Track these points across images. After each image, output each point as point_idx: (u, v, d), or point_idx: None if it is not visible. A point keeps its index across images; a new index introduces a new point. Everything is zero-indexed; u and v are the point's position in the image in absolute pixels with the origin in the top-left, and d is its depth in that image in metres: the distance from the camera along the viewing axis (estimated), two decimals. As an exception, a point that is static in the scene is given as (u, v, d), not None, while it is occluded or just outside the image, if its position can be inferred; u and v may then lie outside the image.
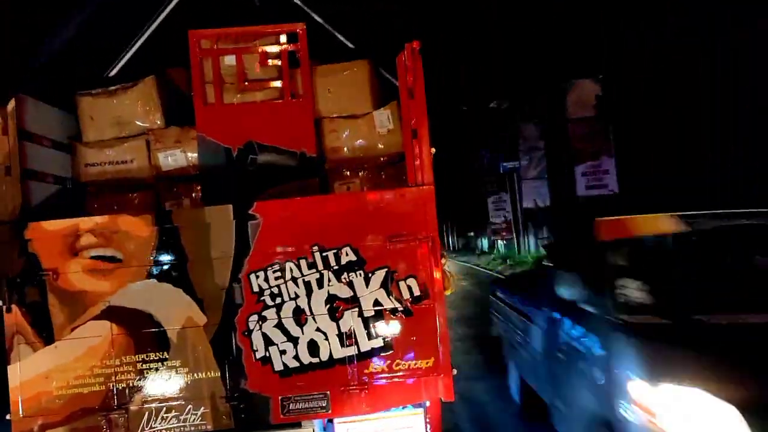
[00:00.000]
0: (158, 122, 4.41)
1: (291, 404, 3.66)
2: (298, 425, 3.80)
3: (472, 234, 45.44)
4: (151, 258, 3.67)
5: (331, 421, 4.00)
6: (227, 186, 4.17)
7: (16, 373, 3.59)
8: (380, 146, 4.42)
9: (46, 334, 3.61)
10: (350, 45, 4.67)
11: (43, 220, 3.64)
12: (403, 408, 3.94)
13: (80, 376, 3.60)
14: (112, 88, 4.39)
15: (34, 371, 3.59)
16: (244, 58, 4.29)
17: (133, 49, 4.63)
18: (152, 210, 3.77)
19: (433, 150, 3.73)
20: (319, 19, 4.63)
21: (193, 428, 3.66)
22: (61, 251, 3.63)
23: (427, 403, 4.02)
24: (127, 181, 4.38)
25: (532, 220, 25.60)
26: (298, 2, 4.71)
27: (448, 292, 3.86)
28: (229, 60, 4.29)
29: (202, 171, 4.28)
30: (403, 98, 3.90)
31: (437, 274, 3.71)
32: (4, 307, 3.59)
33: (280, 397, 3.66)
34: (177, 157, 4.35)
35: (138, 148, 4.38)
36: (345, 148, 4.44)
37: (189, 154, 4.35)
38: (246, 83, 4.32)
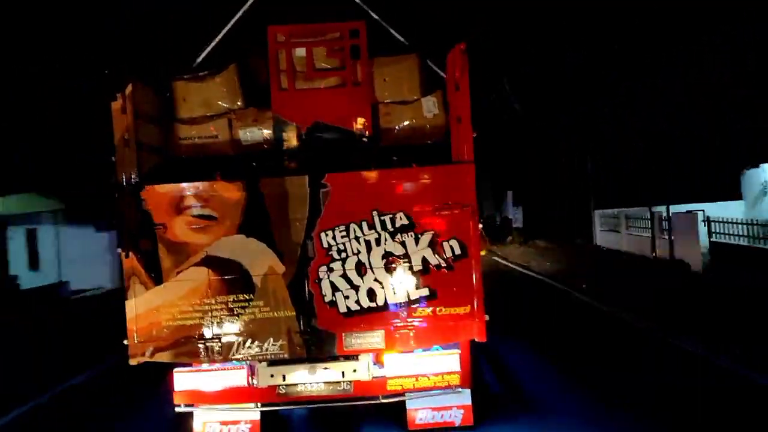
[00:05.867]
0: (239, 103, 5.18)
1: (352, 339, 4.49)
2: (356, 357, 4.64)
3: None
4: (241, 217, 4.48)
5: (380, 364, 4.80)
6: (298, 159, 4.96)
7: (132, 307, 4.46)
8: (427, 128, 5.14)
9: (156, 276, 4.46)
10: (402, 40, 5.35)
11: (154, 184, 4.47)
12: (442, 348, 4.76)
13: (183, 311, 4.46)
14: (201, 74, 5.17)
15: (147, 306, 4.46)
16: (313, 51, 5.02)
17: (216, 41, 5.37)
18: (242, 178, 4.55)
19: (475, 134, 4.47)
20: (376, 17, 5.32)
21: (272, 356, 4.51)
22: (168, 209, 4.46)
23: (460, 351, 4.83)
24: (213, 152, 5.16)
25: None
26: (359, 1, 5.40)
27: (483, 252, 4.63)
28: (300, 52, 5.02)
29: (276, 146, 5.04)
30: (450, 90, 4.61)
31: (475, 237, 4.48)
32: (123, 253, 4.44)
33: (343, 334, 4.48)
34: (255, 133, 5.13)
35: (222, 125, 5.16)
36: (396, 129, 5.16)
37: (265, 131, 5.12)
38: (314, 72, 5.05)
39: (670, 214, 16.03)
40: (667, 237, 16.25)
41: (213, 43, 5.35)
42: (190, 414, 5.02)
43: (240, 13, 5.34)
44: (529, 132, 26.46)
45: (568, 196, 25.37)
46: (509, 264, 19.85)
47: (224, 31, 5.37)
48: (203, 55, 5.34)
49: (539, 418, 5.70)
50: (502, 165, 29.95)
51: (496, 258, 21.60)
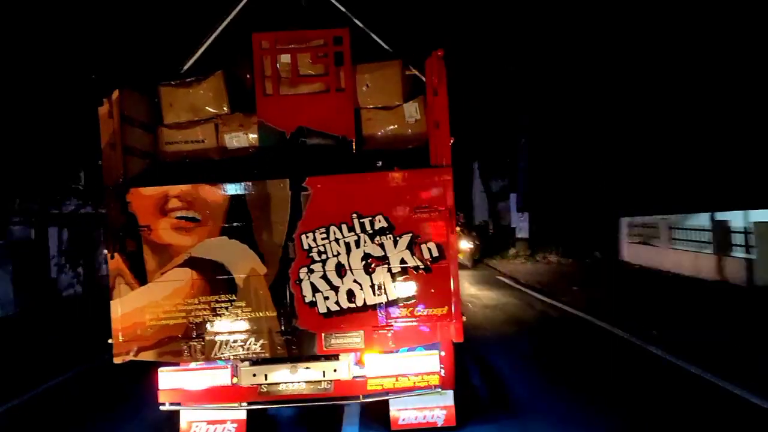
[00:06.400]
0: (225, 109, 5.29)
1: (332, 339, 4.58)
2: (337, 357, 4.73)
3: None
4: (224, 219, 4.59)
5: (361, 364, 4.89)
6: (282, 163, 5.06)
7: (117, 307, 4.58)
8: (408, 132, 5.23)
9: (140, 277, 4.57)
10: (385, 46, 5.46)
11: (140, 187, 4.58)
12: (422, 348, 4.84)
13: (167, 311, 4.57)
14: (188, 80, 5.28)
15: (131, 306, 4.57)
16: (297, 57, 5.13)
17: (203, 48, 5.49)
18: (225, 181, 4.65)
19: (452, 139, 4.57)
20: (359, 23, 5.43)
21: (254, 355, 4.61)
22: (153, 212, 4.58)
23: (443, 353, 4.91)
24: (199, 156, 5.27)
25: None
26: (342, 9, 5.51)
27: (461, 255, 4.72)
28: (285, 58, 5.14)
29: (261, 150, 5.15)
30: (429, 96, 4.72)
31: (452, 240, 4.57)
32: (109, 255, 4.55)
33: (323, 334, 4.58)
34: (240, 138, 5.24)
35: (208, 130, 5.27)
36: (379, 134, 5.26)
37: (250, 136, 5.23)
38: (299, 78, 5.16)
39: (752, 223, 12.10)
40: (739, 255, 12.46)
41: (201, 50, 5.47)
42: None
43: (227, 21, 5.46)
44: (537, 126, 22.09)
45: (585, 201, 21.10)
46: (521, 287, 15.13)
47: (211, 37, 5.48)
48: (191, 61, 5.45)
49: None
50: (503, 164, 26.17)
51: (501, 277, 16.85)
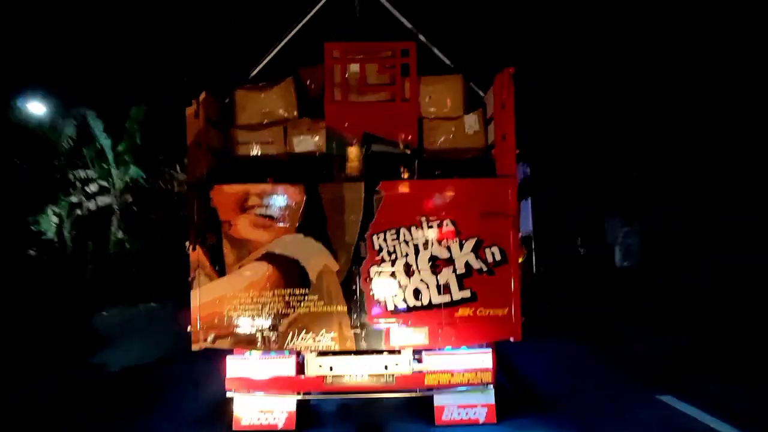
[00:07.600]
0: (294, 113, 5.57)
1: (398, 335, 4.86)
2: (399, 352, 5.00)
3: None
4: (300, 218, 4.85)
5: (418, 359, 5.16)
6: (348, 167, 5.34)
7: (196, 297, 4.82)
8: (468, 143, 5.54)
9: (219, 269, 4.83)
10: (446, 61, 5.77)
11: (224, 184, 4.84)
12: (477, 347, 5.12)
13: (243, 301, 4.82)
14: (260, 84, 5.57)
15: (210, 296, 4.82)
16: (366, 67, 5.43)
17: (271, 55, 5.78)
18: (303, 182, 4.94)
19: (517, 150, 4.88)
20: (424, 39, 5.74)
21: (324, 347, 4.87)
22: (234, 208, 4.84)
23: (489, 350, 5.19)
24: (268, 157, 5.54)
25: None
26: (408, 25, 5.81)
27: (520, 260, 5.03)
28: (354, 67, 5.44)
29: (328, 154, 5.42)
30: (497, 109, 5.03)
31: (515, 245, 4.87)
32: (190, 247, 4.80)
33: (390, 330, 4.85)
34: (307, 141, 5.52)
35: (277, 132, 5.55)
36: (439, 143, 5.57)
37: (317, 140, 5.50)
38: (366, 86, 5.45)
39: None
40: None
41: (270, 56, 5.75)
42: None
43: (294, 31, 5.75)
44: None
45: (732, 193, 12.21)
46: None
47: (278, 46, 5.76)
48: (259, 67, 5.73)
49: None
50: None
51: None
